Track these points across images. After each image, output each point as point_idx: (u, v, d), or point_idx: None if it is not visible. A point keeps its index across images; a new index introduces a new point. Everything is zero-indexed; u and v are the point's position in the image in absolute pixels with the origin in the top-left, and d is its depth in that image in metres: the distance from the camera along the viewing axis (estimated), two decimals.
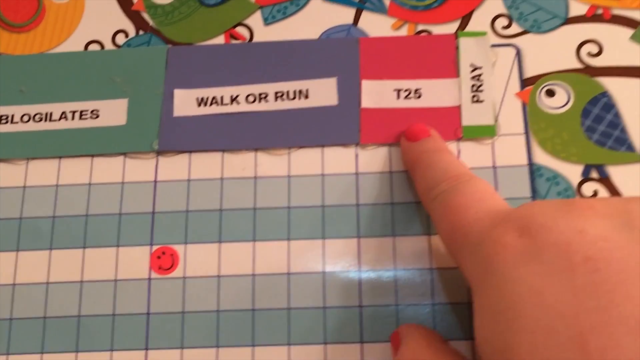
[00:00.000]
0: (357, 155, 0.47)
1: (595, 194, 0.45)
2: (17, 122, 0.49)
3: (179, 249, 0.46)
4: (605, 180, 0.45)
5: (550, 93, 0.47)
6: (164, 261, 0.45)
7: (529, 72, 0.48)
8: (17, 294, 0.46)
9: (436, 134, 0.45)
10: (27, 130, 0.49)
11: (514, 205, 0.39)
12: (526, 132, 0.47)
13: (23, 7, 0.53)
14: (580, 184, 0.45)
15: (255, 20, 0.51)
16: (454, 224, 0.36)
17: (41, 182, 0.48)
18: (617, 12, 0.49)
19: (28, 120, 0.50)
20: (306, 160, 0.48)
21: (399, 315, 0.44)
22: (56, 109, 0.50)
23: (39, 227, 0.47)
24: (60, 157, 0.49)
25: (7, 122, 0.49)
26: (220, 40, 0.51)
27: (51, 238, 0.47)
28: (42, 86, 0.51)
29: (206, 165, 0.48)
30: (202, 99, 0.49)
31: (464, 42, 0.49)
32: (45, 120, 0.50)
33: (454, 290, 0.44)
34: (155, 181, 0.47)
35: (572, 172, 0.46)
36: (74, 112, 0.50)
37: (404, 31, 0.50)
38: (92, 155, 0.49)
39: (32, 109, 0.50)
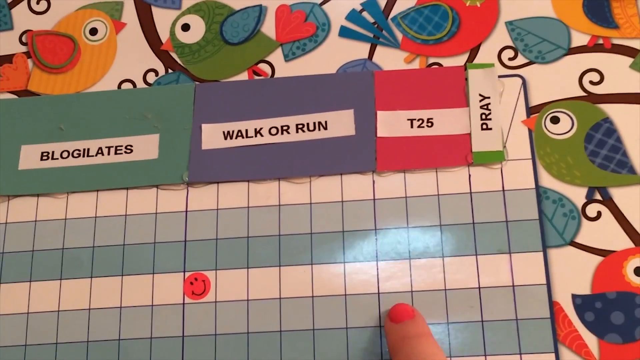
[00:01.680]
0: (374, 182, 0.50)
1: (599, 214, 0.47)
2: (57, 158, 0.53)
3: (210, 274, 0.49)
4: (608, 201, 0.48)
5: (555, 120, 0.50)
6: (196, 287, 0.49)
7: (535, 101, 0.51)
8: (61, 320, 0.50)
9: (419, 317, 0.45)
10: (67, 166, 0.53)
11: (522, 226, 0.44)
12: (533, 157, 0.49)
13: (60, 50, 0.56)
14: (585, 205, 0.48)
15: (276, 56, 0.55)
16: None
17: (81, 215, 0.52)
18: (617, 41, 0.52)
19: (67, 157, 0.53)
20: (326, 188, 0.51)
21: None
22: (93, 145, 0.53)
23: (79, 256, 0.51)
24: (97, 191, 0.52)
25: (47, 159, 0.53)
26: (244, 76, 0.54)
27: (91, 267, 0.51)
28: (80, 124, 0.54)
29: (233, 194, 0.52)
30: (228, 132, 0.52)
31: (472, 74, 0.52)
32: (83, 156, 0.53)
33: (465, 309, 0.47)
34: (186, 211, 0.51)
35: (577, 194, 0.49)
36: (109, 148, 0.53)
37: (416, 64, 0.53)
38: (127, 188, 0.52)
39: (70, 145, 0.54)
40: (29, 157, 0.53)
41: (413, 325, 0.44)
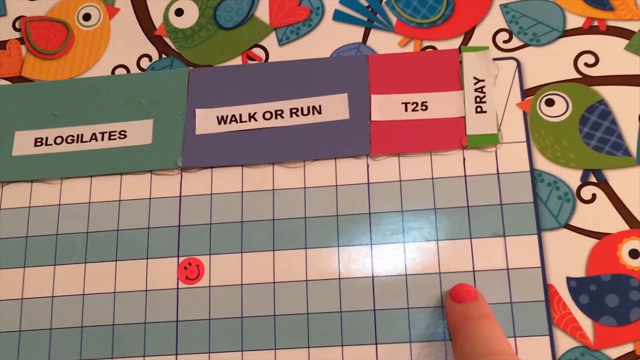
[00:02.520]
0: (368, 166, 0.50)
1: (593, 197, 0.47)
2: (51, 144, 0.53)
3: (204, 259, 0.49)
4: (603, 184, 0.47)
5: (550, 102, 0.50)
6: (190, 271, 0.49)
7: (529, 83, 0.51)
8: (55, 305, 0.50)
9: (482, 298, 0.45)
10: (61, 152, 0.53)
11: (516, 209, 0.45)
12: (527, 140, 0.49)
13: (53, 35, 0.56)
14: (579, 187, 0.48)
15: (270, 41, 0.54)
16: None
17: (75, 200, 0.52)
18: (612, 23, 0.51)
19: (61, 142, 0.53)
20: (320, 172, 0.51)
21: (410, 317, 0.46)
22: (87, 130, 0.53)
23: (74, 242, 0.51)
24: (91, 176, 0.52)
25: (41, 145, 0.53)
26: (237, 61, 0.54)
27: (85, 252, 0.50)
28: (73, 110, 0.54)
29: (227, 179, 0.51)
30: (222, 117, 0.52)
31: (467, 57, 0.51)
32: (77, 142, 0.53)
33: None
34: (180, 196, 0.51)
35: (572, 177, 0.49)
36: (103, 133, 0.53)
37: (410, 47, 0.53)
38: (121, 174, 0.52)
39: (64, 131, 0.54)
40: (23, 143, 0.53)
41: (476, 306, 0.44)
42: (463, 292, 0.45)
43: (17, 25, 0.57)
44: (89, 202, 0.51)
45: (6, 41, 0.57)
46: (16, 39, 0.57)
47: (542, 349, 0.45)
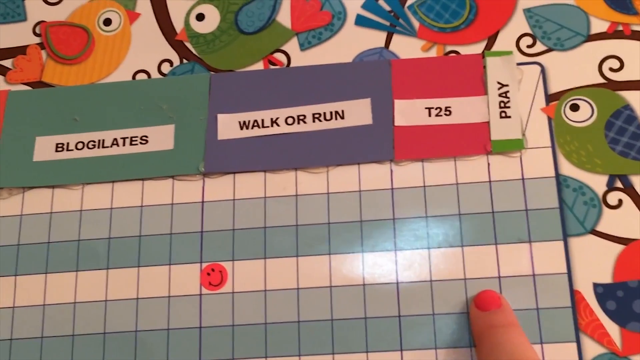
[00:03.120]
0: (392, 171, 0.50)
1: (620, 202, 0.47)
2: (72, 150, 0.53)
3: (227, 265, 0.49)
4: (629, 189, 0.47)
5: (575, 107, 0.49)
6: (213, 277, 0.48)
7: (554, 88, 0.50)
8: (77, 311, 0.49)
9: (507, 306, 0.44)
10: (82, 157, 0.53)
11: (542, 215, 0.45)
12: (552, 145, 0.49)
13: (74, 41, 0.56)
14: (606, 193, 0.47)
15: (292, 46, 0.54)
16: None
17: (96, 206, 0.52)
18: (637, 27, 0.51)
19: (82, 148, 0.53)
20: (344, 178, 0.51)
21: (435, 323, 0.46)
22: (108, 136, 0.53)
23: (95, 248, 0.50)
24: (113, 182, 0.52)
25: (62, 150, 0.53)
26: (259, 66, 0.54)
27: (107, 258, 0.50)
28: (94, 115, 0.54)
29: (250, 185, 0.51)
30: (244, 122, 0.52)
31: (490, 61, 0.51)
32: (98, 147, 0.53)
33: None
34: (203, 202, 0.50)
35: (597, 183, 0.48)
36: (124, 139, 0.53)
37: (433, 52, 0.52)
38: (143, 179, 0.52)
39: (85, 136, 0.53)
40: (44, 148, 0.53)
41: (501, 315, 0.43)
42: (488, 299, 0.45)
43: (37, 30, 0.57)
44: (111, 208, 0.51)
45: (26, 46, 0.56)
46: (36, 44, 0.57)
47: (570, 356, 0.44)
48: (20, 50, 0.57)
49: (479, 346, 0.43)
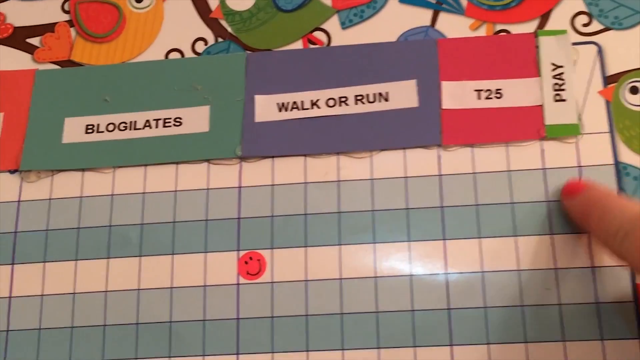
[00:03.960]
0: (439, 157, 0.47)
1: None
2: (102, 132, 0.50)
3: (265, 254, 0.46)
4: None
5: (635, 90, 0.47)
6: (251, 266, 0.46)
7: (612, 70, 0.48)
8: (109, 300, 0.47)
9: (594, 184, 0.44)
10: (113, 139, 0.50)
11: None
12: (611, 131, 0.46)
13: (104, 18, 0.54)
14: None
15: (332, 24, 0.52)
16: None
17: (128, 190, 0.49)
18: None
19: (113, 130, 0.50)
20: (388, 163, 0.48)
21: (487, 316, 0.44)
22: (140, 117, 0.51)
23: (128, 234, 0.48)
24: (145, 165, 0.49)
25: (93, 132, 0.50)
26: (298, 45, 0.51)
27: (140, 245, 0.48)
28: (126, 95, 0.52)
29: (289, 169, 0.49)
30: (282, 104, 0.49)
31: (544, 41, 0.48)
32: (130, 129, 0.50)
33: (541, 291, 0.43)
34: (240, 187, 0.48)
35: None
36: (157, 120, 0.50)
37: (482, 31, 0.50)
38: (177, 163, 0.49)
39: (116, 118, 0.51)
40: (73, 130, 0.50)
41: (594, 191, 0.43)
42: (574, 185, 0.45)
43: (66, 7, 0.55)
44: (144, 192, 0.49)
45: (54, 24, 0.54)
46: (65, 21, 0.54)
47: (633, 353, 0.41)
48: (49, 27, 0.55)
49: (587, 223, 0.43)
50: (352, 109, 0.48)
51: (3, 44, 0.54)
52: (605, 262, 0.44)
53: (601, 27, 0.49)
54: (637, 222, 0.38)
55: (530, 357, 0.43)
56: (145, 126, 0.50)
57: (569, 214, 0.44)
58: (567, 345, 0.43)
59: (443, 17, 0.50)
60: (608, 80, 0.47)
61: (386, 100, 0.48)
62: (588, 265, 0.44)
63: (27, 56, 0.54)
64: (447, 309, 0.44)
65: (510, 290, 0.44)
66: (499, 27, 0.50)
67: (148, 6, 0.54)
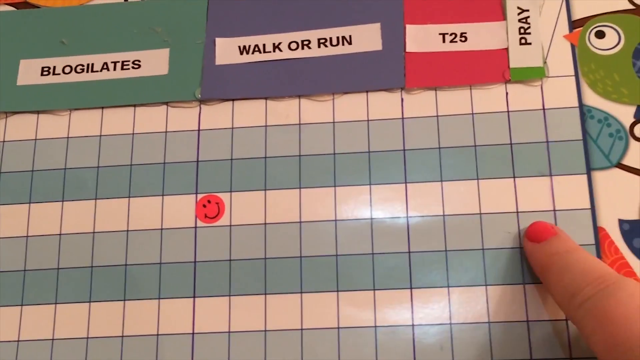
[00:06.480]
0: (402, 100, 0.46)
1: None
2: (59, 74, 0.49)
3: (224, 197, 0.45)
4: None
5: (600, 34, 0.46)
6: (209, 209, 0.45)
7: (578, 14, 0.47)
8: (63, 244, 0.46)
9: (563, 233, 0.41)
10: (69, 82, 0.49)
11: (564, 147, 0.43)
12: (576, 74, 0.46)
13: None
14: (633, 125, 0.44)
15: None
16: (615, 338, 0.32)
17: (84, 133, 0.48)
18: None
19: (70, 72, 0.49)
20: (351, 106, 0.47)
21: (447, 260, 0.44)
22: (97, 60, 0.49)
23: (83, 177, 0.47)
24: (102, 108, 0.48)
25: (49, 74, 0.49)
26: None
27: (96, 188, 0.47)
28: (83, 38, 0.50)
29: (250, 113, 0.48)
30: (244, 47, 0.48)
31: None
32: (87, 72, 0.49)
33: (501, 235, 0.44)
34: (199, 130, 0.47)
35: (624, 113, 0.45)
36: (115, 63, 0.49)
37: None
38: (135, 105, 0.48)
39: (73, 60, 0.50)
40: (29, 72, 0.49)
41: (559, 241, 0.40)
42: (541, 230, 0.41)
43: None
44: (100, 135, 0.47)
45: None
46: None
47: None
48: None
49: (545, 276, 0.39)
50: (315, 52, 0.48)
51: None
52: (567, 206, 0.44)
53: None
54: (598, 289, 0.34)
55: (490, 300, 0.41)
56: (102, 69, 0.49)
57: (528, 259, 0.42)
58: (526, 287, 0.42)
59: None
60: (574, 24, 0.47)
61: (349, 43, 0.47)
62: (550, 209, 0.43)
63: None
64: (408, 252, 0.43)
65: (471, 233, 0.43)
66: None
67: None
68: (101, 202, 0.46)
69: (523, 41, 0.46)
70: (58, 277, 0.45)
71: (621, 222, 0.42)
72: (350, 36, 0.47)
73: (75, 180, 0.47)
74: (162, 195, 0.46)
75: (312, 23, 0.48)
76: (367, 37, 0.47)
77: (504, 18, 0.47)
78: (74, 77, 0.49)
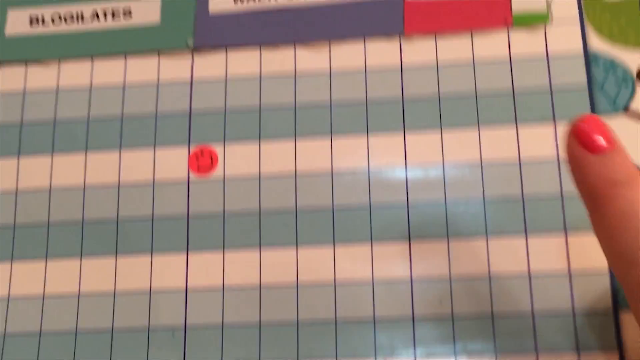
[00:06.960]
0: (401, 47, 0.44)
1: None
2: (47, 23, 0.47)
3: (217, 148, 0.44)
4: None
5: None
6: (202, 161, 0.44)
7: None
8: (53, 197, 0.45)
9: (621, 147, 0.29)
10: (58, 31, 0.48)
11: (568, 94, 0.41)
12: (581, 19, 0.44)
13: None
14: None
15: None
16: None
17: (74, 84, 0.47)
18: None
19: (58, 21, 0.47)
20: (348, 54, 0.46)
21: (447, 210, 0.43)
22: (87, 9, 0.48)
23: (73, 129, 0.46)
24: (92, 58, 0.46)
25: (37, 24, 0.47)
26: None
27: (86, 140, 0.46)
28: None
29: (244, 61, 0.46)
30: None
31: None
32: (76, 21, 0.48)
33: (502, 183, 0.42)
34: (192, 79, 0.46)
35: (631, 59, 0.43)
36: (105, 12, 0.47)
37: None
38: (125, 55, 0.46)
39: (62, 9, 0.48)
40: (17, 21, 0.48)
41: (619, 161, 0.28)
42: (596, 131, 0.29)
43: None
44: (90, 86, 0.46)
45: None
46: None
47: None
48: None
49: (593, 210, 0.30)
50: None
51: None
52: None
53: None
54: None
55: (491, 250, 0.40)
56: (92, 18, 0.47)
57: (575, 177, 0.30)
58: (528, 238, 0.40)
59: None
60: None
61: None
62: (553, 156, 0.41)
63: None
64: (406, 204, 0.41)
65: (472, 182, 0.42)
66: None
67: None
68: (92, 154, 0.45)
69: None
70: (48, 231, 0.44)
71: None
72: None
73: (65, 132, 0.45)
74: (154, 146, 0.44)
75: None
76: None
77: None
78: (63, 27, 0.47)
